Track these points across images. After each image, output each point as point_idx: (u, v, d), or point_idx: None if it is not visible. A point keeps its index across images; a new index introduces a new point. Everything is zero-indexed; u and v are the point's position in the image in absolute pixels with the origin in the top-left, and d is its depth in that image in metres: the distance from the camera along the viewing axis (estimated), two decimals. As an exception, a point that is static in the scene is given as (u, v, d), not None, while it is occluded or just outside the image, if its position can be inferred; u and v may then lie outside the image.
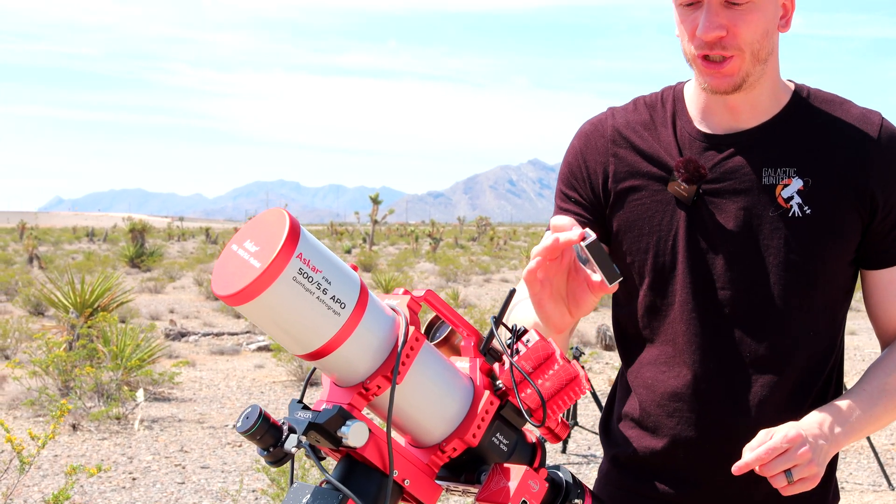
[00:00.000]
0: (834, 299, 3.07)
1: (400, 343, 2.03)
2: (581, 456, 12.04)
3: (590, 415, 13.68)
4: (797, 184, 2.98)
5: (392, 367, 2.03)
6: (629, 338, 3.23)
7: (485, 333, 2.25)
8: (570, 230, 2.50)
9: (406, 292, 2.18)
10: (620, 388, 3.31)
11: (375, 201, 76.96)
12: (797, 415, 2.94)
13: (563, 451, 12.21)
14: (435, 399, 2.13)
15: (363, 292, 2.01)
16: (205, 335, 23.49)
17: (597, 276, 2.50)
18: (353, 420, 2.02)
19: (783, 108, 3.07)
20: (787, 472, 2.71)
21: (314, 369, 2.13)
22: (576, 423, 11.82)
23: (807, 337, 3.00)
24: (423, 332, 2.33)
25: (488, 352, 2.22)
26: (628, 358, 3.25)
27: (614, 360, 19.61)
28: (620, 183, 3.13)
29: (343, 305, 1.97)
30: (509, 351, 2.21)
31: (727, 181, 3.02)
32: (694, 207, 3.03)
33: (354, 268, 2.06)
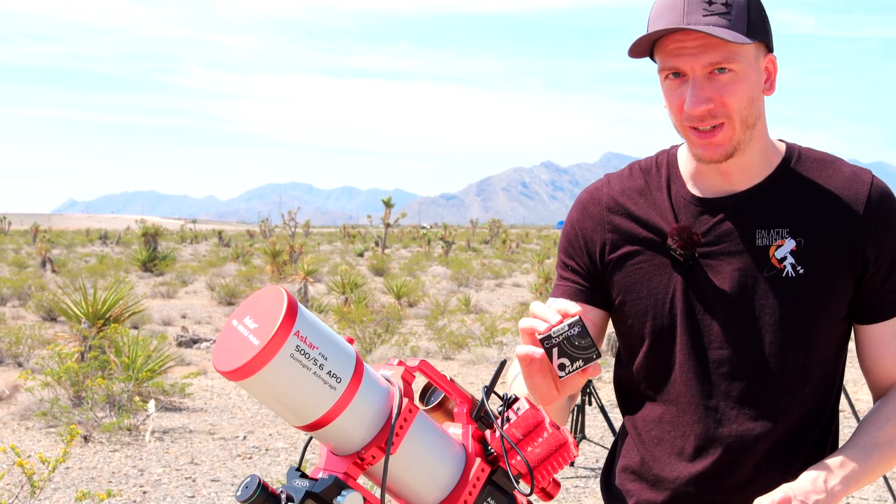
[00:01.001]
0: (829, 356, 3.12)
1: (394, 415, 2.11)
2: (589, 469, 12.09)
3: (598, 426, 13.73)
4: (790, 244, 3.05)
5: (386, 438, 2.11)
6: (631, 395, 3.31)
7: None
8: (543, 320, 2.60)
9: (400, 363, 2.26)
10: (622, 442, 3.38)
11: (388, 205, 76.98)
12: (792, 468, 3.03)
13: (572, 464, 12.26)
14: (428, 467, 2.21)
15: (358, 366, 2.09)
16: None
17: (556, 369, 2.55)
18: (348, 490, 2.10)
19: (774, 170, 3.14)
20: None
21: (311, 438, 2.20)
22: (584, 437, 11.87)
23: (802, 394, 3.06)
24: (418, 395, 2.41)
25: (480, 419, 2.30)
26: (631, 414, 3.32)
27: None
28: (617, 250, 3.22)
29: (339, 380, 2.04)
30: (499, 419, 2.29)
31: (722, 244, 3.09)
32: (690, 270, 3.10)
33: (350, 340, 2.14)
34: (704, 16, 2.88)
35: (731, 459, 3.08)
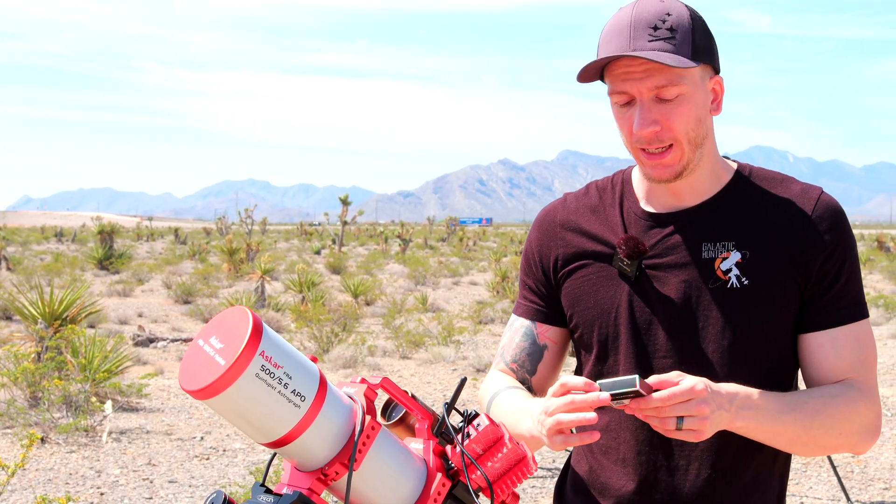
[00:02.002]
0: (778, 367, 3.17)
1: (357, 432, 2.15)
2: (545, 469, 12.14)
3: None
4: (735, 256, 3.12)
5: (349, 454, 2.16)
6: None
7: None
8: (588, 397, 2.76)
9: (363, 381, 2.30)
10: (575, 452, 3.43)
11: (345, 202, 76.89)
12: (741, 478, 3.13)
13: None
14: (390, 482, 2.25)
15: (322, 385, 2.13)
16: (173, 341, 23.50)
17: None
18: (312, 505, 2.14)
19: (724, 187, 3.22)
20: (680, 419, 2.78)
21: (275, 454, 2.25)
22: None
23: None
24: (380, 411, 2.46)
25: (441, 434, 2.36)
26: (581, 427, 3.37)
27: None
28: (568, 264, 3.32)
29: (303, 398, 2.09)
30: (460, 435, 2.34)
31: (669, 256, 3.17)
32: (636, 281, 3.18)
33: (314, 359, 2.19)
34: (650, 41, 2.96)
35: (676, 468, 3.14)
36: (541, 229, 3.43)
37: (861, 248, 77.46)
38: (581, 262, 3.29)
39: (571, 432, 2.81)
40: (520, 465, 2.36)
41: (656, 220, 3.23)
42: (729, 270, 3.11)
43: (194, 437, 13.66)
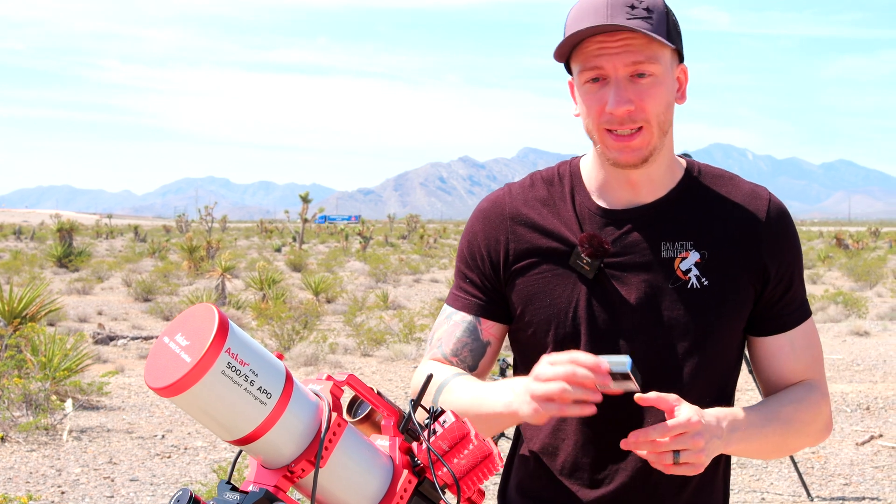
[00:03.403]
0: (728, 367, 3.21)
1: (323, 429, 2.15)
2: (508, 466, 12.15)
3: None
4: (694, 256, 3.12)
5: (316, 451, 2.15)
6: None
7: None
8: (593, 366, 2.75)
9: (329, 378, 2.30)
10: (518, 455, 3.37)
11: (305, 200, 76.76)
12: (696, 479, 3.14)
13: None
14: (357, 479, 2.25)
15: (288, 382, 2.13)
16: (133, 339, 23.42)
17: (634, 387, 2.80)
18: (278, 502, 2.14)
19: (678, 183, 3.22)
20: (676, 452, 2.79)
21: (241, 451, 2.24)
22: (502, 435, 11.92)
23: (704, 403, 3.03)
24: (346, 408, 2.45)
25: (407, 431, 2.35)
26: (527, 426, 3.31)
27: (542, 365, 19.71)
28: (520, 261, 3.23)
29: (269, 395, 2.08)
30: (426, 432, 2.34)
31: (627, 255, 3.14)
32: (595, 281, 3.13)
33: (280, 356, 2.18)
34: (628, 18, 2.93)
35: (635, 471, 3.12)
36: (487, 221, 3.31)
37: (820, 246, 77.92)
38: (534, 258, 3.21)
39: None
40: (486, 462, 2.36)
41: (612, 216, 3.18)
42: (689, 270, 3.11)
43: (155, 436, 13.62)
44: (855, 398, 16.33)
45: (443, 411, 2.39)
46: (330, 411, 2.18)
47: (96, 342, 22.48)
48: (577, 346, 3.11)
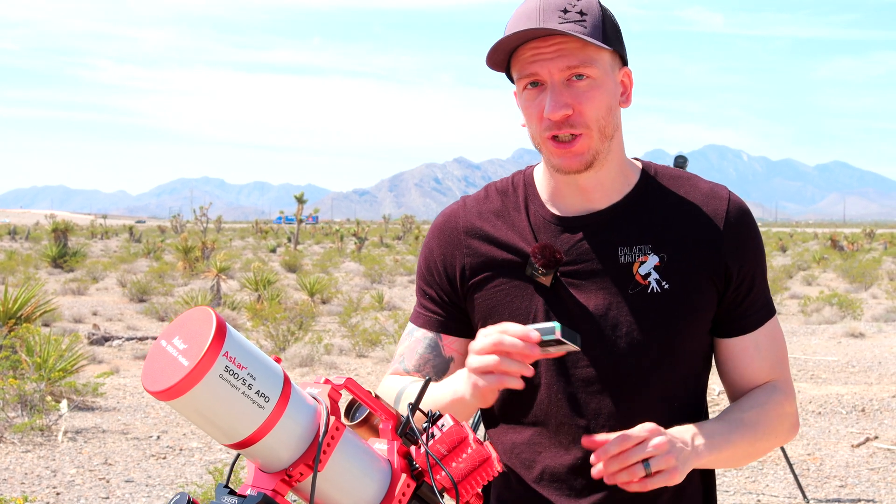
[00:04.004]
0: (695, 370, 3.16)
1: (321, 433, 2.15)
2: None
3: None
4: (653, 260, 3.07)
5: (314, 455, 2.15)
6: (494, 419, 3.26)
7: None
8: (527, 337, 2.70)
9: (327, 381, 2.30)
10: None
11: (300, 201, 76.84)
12: (662, 490, 3.02)
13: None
14: (355, 483, 2.25)
15: (286, 385, 2.12)
16: (128, 339, 23.41)
17: (573, 348, 2.75)
18: (276, 507, 2.14)
19: (633, 187, 3.17)
20: (646, 463, 2.76)
21: (239, 455, 2.24)
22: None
23: (671, 407, 3.07)
24: (343, 411, 2.45)
25: (406, 435, 2.35)
26: (497, 438, 3.26)
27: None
28: (476, 275, 3.19)
29: (267, 399, 2.08)
30: (424, 436, 2.34)
31: (584, 262, 3.09)
32: (553, 290, 3.09)
33: (277, 360, 2.18)
34: (560, 23, 2.91)
35: (597, 494, 3.08)
36: (442, 236, 3.28)
37: (815, 247, 77.91)
38: (490, 271, 3.17)
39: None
40: (484, 466, 2.36)
41: (566, 224, 3.14)
42: (648, 275, 3.07)
43: (151, 437, 13.61)
44: (850, 400, 16.33)
45: (441, 415, 2.38)
46: (328, 415, 2.18)
47: (91, 343, 22.47)
48: (537, 360, 2.99)
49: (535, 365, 3.01)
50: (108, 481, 11.41)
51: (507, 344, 2.70)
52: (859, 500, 11.14)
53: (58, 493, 10.91)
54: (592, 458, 2.83)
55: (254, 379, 2.06)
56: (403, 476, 2.30)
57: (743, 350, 3.16)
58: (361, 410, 2.48)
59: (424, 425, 2.37)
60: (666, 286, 3.06)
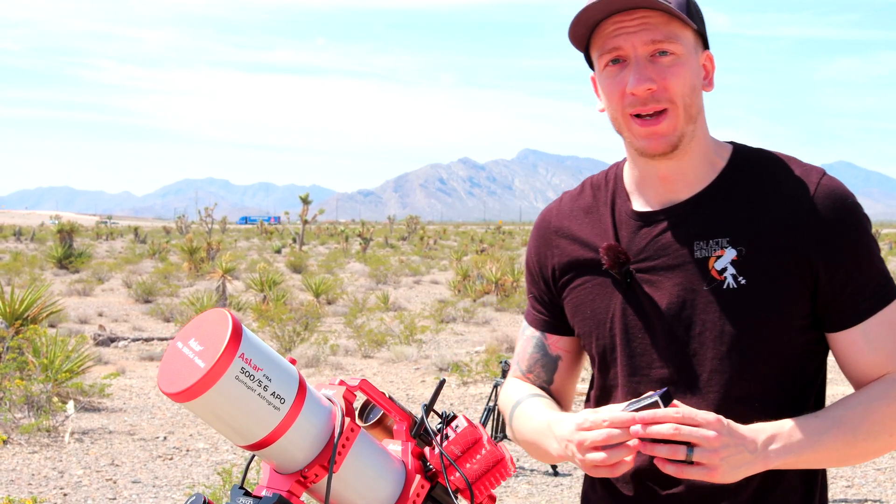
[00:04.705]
0: (788, 370, 2.97)
1: (336, 434, 2.15)
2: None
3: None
4: (730, 254, 2.91)
5: (329, 456, 2.16)
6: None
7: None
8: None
9: (342, 382, 2.30)
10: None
11: (305, 201, 76.86)
12: (747, 483, 2.88)
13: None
14: (370, 484, 2.26)
15: (301, 387, 2.13)
16: (134, 340, 23.42)
17: None
18: (291, 508, 2.15)
19: (718, 175, 3.02)
20: (690, 448, 2.62)
21: (254, 456, 2.25)
22: (504, 436, 11.94)
23: (751, 407, 2.90)
24: (357, 412, 2.46)
25: (420, 436, 2.36)
26: None
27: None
28: (565, 274, 3.16)
29: (283, 400, 2.09)
30: (438, 437, 2.34)
31: (660, 258, 2.98)
32: (629, 288, 3.01)
33: (293, 361, 2.19)
34: None
35: (677, 487, 2.98)
36: (538, 237, 3.27)
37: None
38: (575, 271, 3.13)
39: None
40: (498, 467, 2.37)
41: (645, 218, 3.03)
42: (724, 270, 2.92)
43: (157, 437, 13.62)
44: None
45: (455, 416, 2.39)
46: (343, 416, 2.19)
47: (97, 344, 22.48)
48: (615, 358, 3.04)
49: (611, 365, 3.06)
50: (115, 482, 11.41)
51: (615, 438, 2.65)
52: (866, 501, 11.13)
53: (65, 494, 10.92)
54: (645, 414, 2.66)
55: (269, 380, 2.07)
56: (418, 477, 2.31)
57: (851, 343, 2.95)
58: (376, 411, 2.49)
59: (438, 426, 2.38)
60: (743, 282, 2.90)
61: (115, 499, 10.81)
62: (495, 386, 11.77)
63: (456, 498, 2.33)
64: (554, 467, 11.82)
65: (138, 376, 18.46)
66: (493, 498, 2.41)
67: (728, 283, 2.91)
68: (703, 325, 2.93)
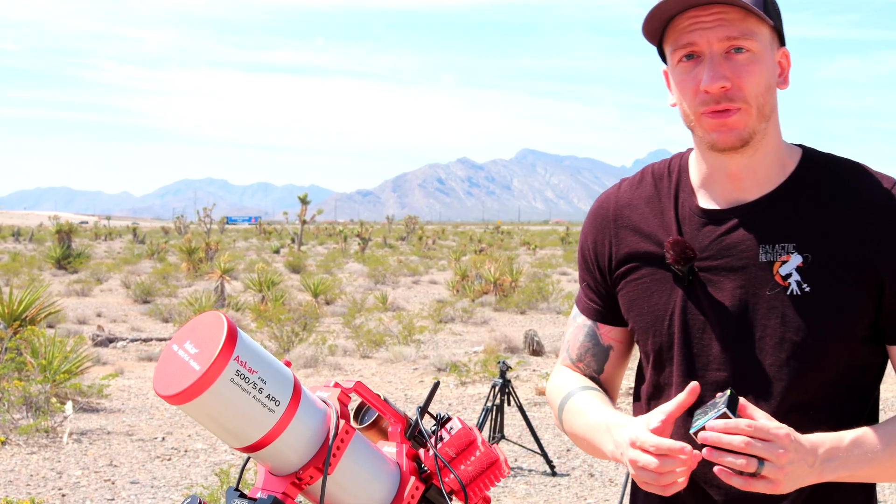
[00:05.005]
0: (845, 377, 2.91)
1: (331, 436, 2.17)
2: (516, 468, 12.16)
3: (516, 425, 13.79)
4: (796, 260, 2.86)
5: (324, 458, 2.17)
6: (643, 411, 3.16)
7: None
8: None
9: (336, 385, 2.31)
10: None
11: (304, 201, 76.83)
12: (800, 489, 2.82)
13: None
14: (364, 486, 2.27)
15: (296, 389, 2.14)
16: (133, 341, 23.42)
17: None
18: (286, 509, 2.16)
19: (788, 178, 2.96)
20: (761, 462, 2.58)
21: (249, 458, 2.26)
22: (503, 437, 11.96)
23: (805, 416, 2.86)
24: (352, 414, 2.47)
25: (414, 438, 2.37)
26: None
27: (542, 366, 19.75)
28: (622, 265, 3.10)
29: (277, 403, 2.10)
30: (433, 438, 2.35)
31: (724, 258, 2.93)
32: (690, 286, 2.96)
33: (288, 364, 2.20)
34: None
35: (726, 495, 2.96)
36: (594, 224, 3.21)
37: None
38: (634, 263, 3.08)
39: None
40: (493, 468, 2.38)
41: (711, 217, 2.98)
42: (789, 275, 2.86)
43: (156, 438, 13.62)
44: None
45: (449, 418, 2.40)
46: (338, 418, 2.20)
47: (96, 344, 22.47)
48: (671, 357, 3.00)
49: (666, 363, 3.03)
50: (113, 483, 11.42)
51: (671, 464, 2.64)
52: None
53: (63, 495, 10.92)
54: (717, 423, 2.62)
55: (264, 383, 2.08)
56: (412, 479, 2.32)
57: None
58: (370, 413, 2.50)
59: (433, 428, 2.39)
60: (807, 289, 2.85)
61: (113, 499, 10.81)
62: (493, 386, 11.77)
63: (450, 499, 2.34)
64: (552, 467, 11.81)
65: (137, 377, 18.46)
66: (487, 499, 2.42)
67: (792, 290, 2.86)
68: (763, 331, 2.89)
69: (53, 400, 14.03)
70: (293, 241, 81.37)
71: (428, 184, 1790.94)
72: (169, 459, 12.51)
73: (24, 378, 14.19)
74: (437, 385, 2.46)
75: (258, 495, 2.21)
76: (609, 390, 3.25)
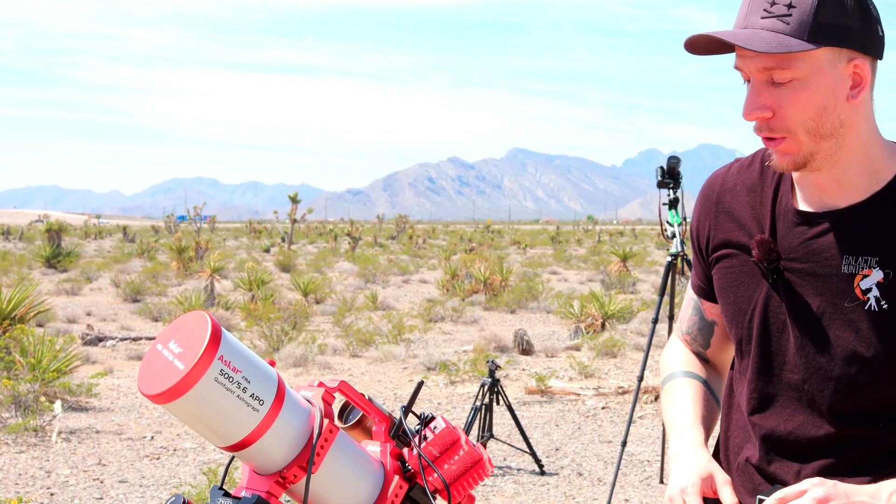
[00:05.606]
0: None
1: (315, 435, 2.17)
2: (497, 468, 12.17)
3: (505, 424, 13.79)
4: (877, 275, 2.78)
5: (307, 457, 2.18)
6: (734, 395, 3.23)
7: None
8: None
9: (321, 384, 2.32)
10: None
11: (294, 200, 76.81)
12: None
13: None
14: (348, 485, 2.28)
15: (280, 388, 2.15)
16: (122, 339, 23.39)
17: None
18: (270, 509, 2.17)
19: (882, 188, 2.85)
20: None
21: (233, 457, 2.26)
22: (491, 436, 11.96)
23: (871, 430, 2.84)
24: (337, 413, 2.48)
25: (398, 437, 2.38)
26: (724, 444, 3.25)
27: (531, 365, 19.75)
28: (717, 250, 3.11)
29: (261, 402, 2.11)
30: (417, 438, 2.36)
31: (808, 262, 2.88)
32: (774, 284, 2.93)
33: (272, 363, 2.21)
34: (762, 17, 2.71)
35: (785, 482, 2.92)
36: (702, 204, 3.19)
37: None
38: (727, 250, 3.07)
39: None
40: (476, 467, 2.40)
41: (804, 218, 2.91)
42: (868, 290, 2.79)
43: (144, 437, 13.61)
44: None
45: (433, 417, 2.42)
46: (321, 417, 2.21)
47: (85, 343, 22.43)
48: (749, 350, 3.02)
49: (745, 355, 3.05)
50: (102, 482, 11.40)
51: None
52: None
53: (52, 494, 10.91)
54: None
55: (248, 382, 2.09)
56: (396, 478, 2.33)
57: None
58: (355, 413, 2.51)
59: (417, 427, 2.40)
60: (885, 306, 2.77)
61: (102, 498, 10.80)
62: (482, 385, 11.78)
63: (434, 498, 2.35)
64: (541, 466, 11.82)
65: (126, 376, 18.43)
66: (471, 498, 2.43)
67: (870, 305, 2.80)
68: (835, 342, 2.85)
69: (42, 399, 14.01)
70: (283, 240, 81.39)
71: (418, 183, 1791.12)
72: (158, 458, 12.51)
73: (13, 377, 14.17)
74: (420, 384, 2.47)
75: (242, 494, 2.22)
76: (717, 366, 3.35)
